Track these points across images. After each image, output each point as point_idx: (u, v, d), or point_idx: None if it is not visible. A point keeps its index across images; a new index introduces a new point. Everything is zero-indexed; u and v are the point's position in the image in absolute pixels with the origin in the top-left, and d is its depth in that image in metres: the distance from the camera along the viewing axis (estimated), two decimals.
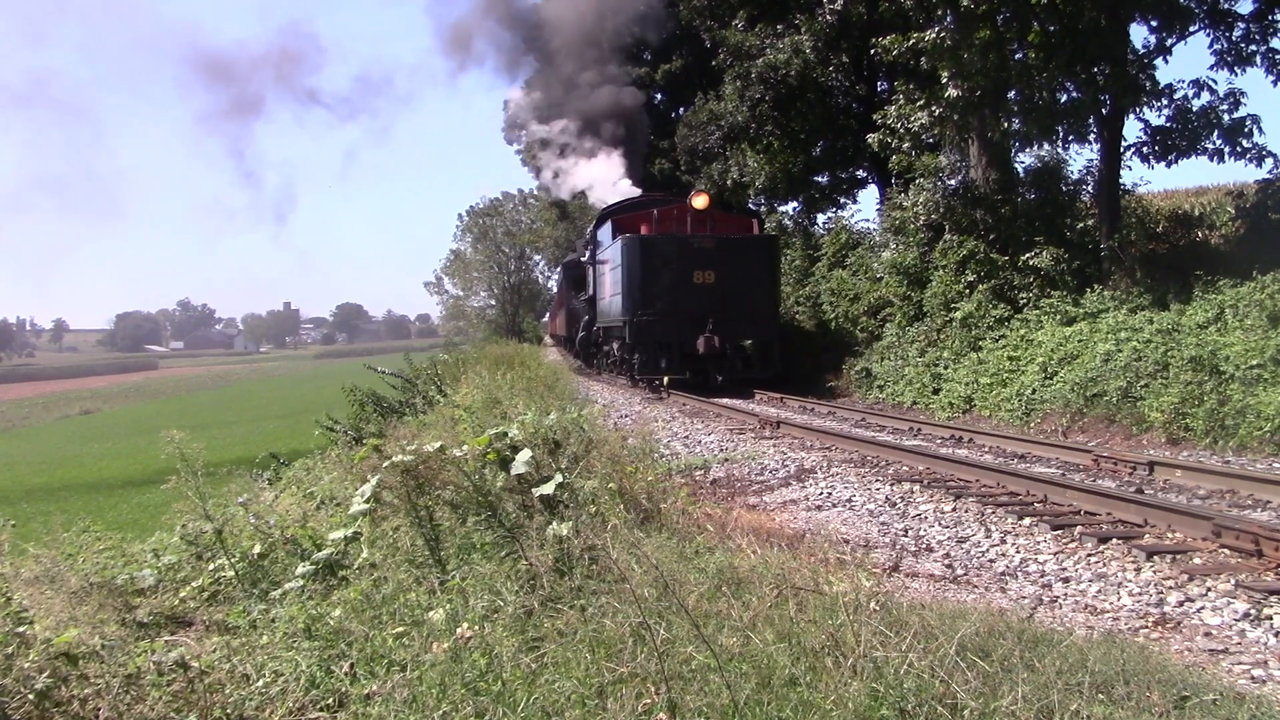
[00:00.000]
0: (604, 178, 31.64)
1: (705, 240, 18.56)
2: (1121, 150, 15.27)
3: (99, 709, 3.16)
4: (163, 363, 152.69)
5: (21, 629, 3.49)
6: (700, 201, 19.40)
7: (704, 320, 17.88)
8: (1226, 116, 14.21)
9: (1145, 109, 14.88)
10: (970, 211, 17.20)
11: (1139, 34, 25.52)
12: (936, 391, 15.49)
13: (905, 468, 9.01)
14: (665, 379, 17.91)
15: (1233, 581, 4.98)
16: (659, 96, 36.63)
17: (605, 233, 21.69)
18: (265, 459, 12.59)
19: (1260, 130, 14.08)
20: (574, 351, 31.10)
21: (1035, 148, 17.10)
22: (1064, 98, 15.41)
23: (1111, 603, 4.86)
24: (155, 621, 4.38)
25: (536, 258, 74.08)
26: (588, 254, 24.93)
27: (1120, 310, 13.61)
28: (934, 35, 15.19)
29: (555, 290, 50.92)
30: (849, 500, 7.61)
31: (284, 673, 3.32)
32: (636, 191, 28.61)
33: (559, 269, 41.53)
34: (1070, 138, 15.94)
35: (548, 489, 4.59)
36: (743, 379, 18.36)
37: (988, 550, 5.97)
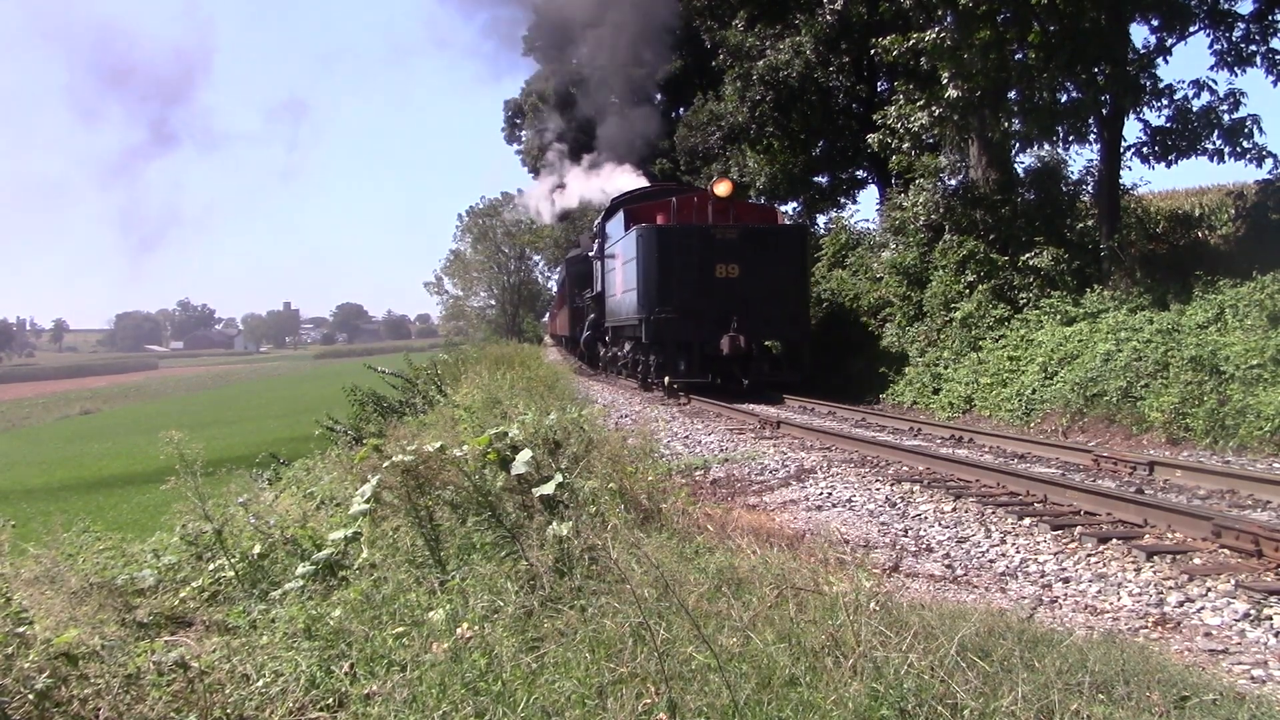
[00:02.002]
0: (614, 174, 30.78)
1: (729, 230, 16.84)
2: (1121, 150, 15.27)
3: (99, 709, 3.16)
4: (163, 363, 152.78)
5: (21, 629, 3.49)
6: (723, 188, 17.61)
7: (728, 318, 16.25)
8: (1226, 117, 14.21)
9: (1145, 109, 14.90)
10: (970, 212, 17.21)
11: (1139, 34, 25.48)
12: (936, 391, 15.49)
13: (905, 468, 9.01)
14: (667, 380, 16.82)
15: (1233, 581, 4.98)
16: (659, 96, 36.71)
17: (616, 224, 20.05)
18: (265, 459, 12.59)
19: (1260, 130, 14.09)
20: (577, 352, 29.85)
21: (1035, 148, 17.14)
22: (1064, 98, 15.42)
23: (1111, 603, 4.86)
24: (155, 621, 4.38)
25: (536, 258, 74.20)
26: (595, 248, 23.28)
27: (1120, 310, 13.62)
28: (934, 35, 15.19)
29: (556, 289, 49.83)
30: (849, 500, 7.61)
31: (284, 673, 3.32)
32: (646, 183, 27.28)
33: (561, 265, 38.99)
34: (1070, 138, 15.95)
35: (548, 489, 4.59)
36: (771, 383, 16.76)
37: (988, 550, 5.97)
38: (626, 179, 29.38)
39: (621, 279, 18.88)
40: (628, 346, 19.57)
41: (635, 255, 17.05)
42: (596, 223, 23.98)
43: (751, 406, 15.00)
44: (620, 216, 19.35)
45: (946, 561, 5.73)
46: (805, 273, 17.90)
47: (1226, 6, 14.41)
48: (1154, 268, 14.96)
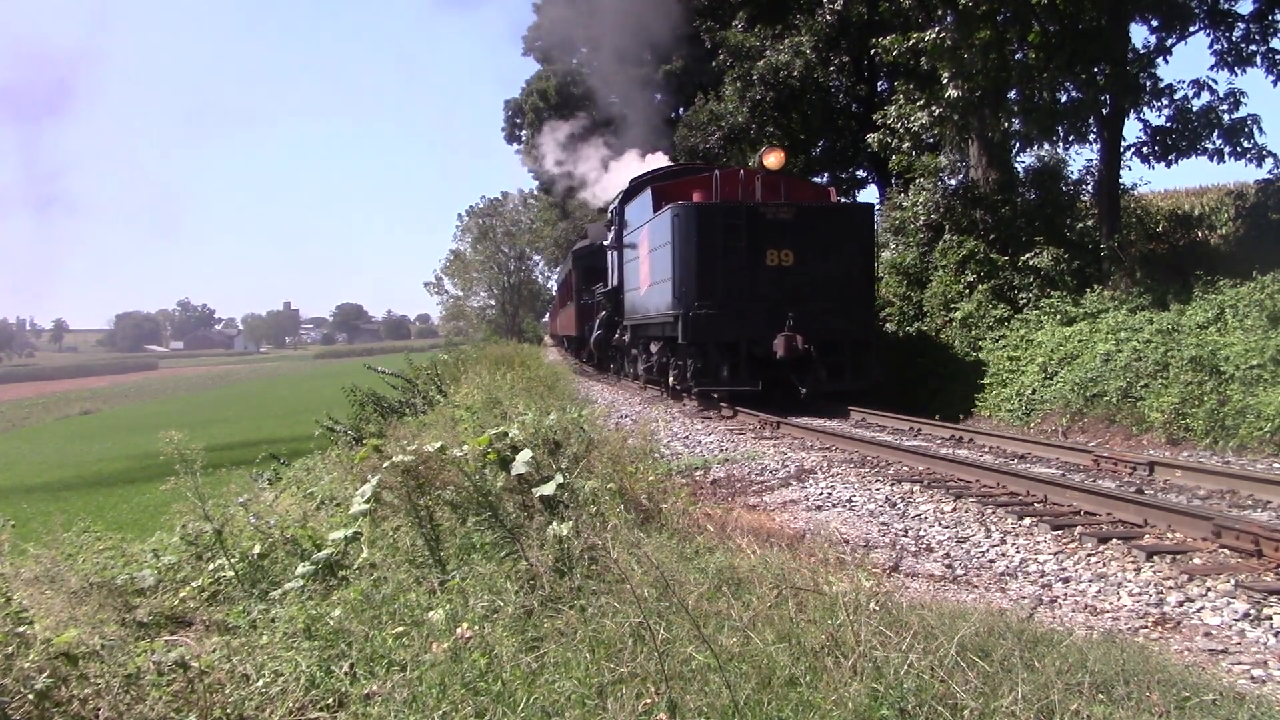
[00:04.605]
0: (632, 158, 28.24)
1: (781, 210, 14.21)
2: (1121, 150, 15.29)
3: (99, 709, 3.16)
4: (163, 363, 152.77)
5: (21, 629, 3.50)
6: (774, 159, 14.82)
7: (781, 314, 13.73)
8: (1226, 117, 14.23)
9: (1145, 109, 14.93)
10: (970, 211, 17.22)
11: (1139, 34, 25.57)
12: (936, 392, 15.49)
13: (905, 468, 9.01)
14: (672, 381, 15.20)
15: (1233, 581, 4.97)
16: (658, 97, 36.75)
17: (640, 206, 17.23)
18: (265, 459, 12.61)
19: (1260, 130, 14.12)
20: (584, 354, 27.39)
21: (1035, 148, 17.16)
22: (1064, 98, 15.44)
23: (1111, 603, 4.86)
24: (155, 621, 4.38)
25: (536, 258, 74.37)
26: (610, 236, 20.56)
27: (1120, 310, 13.62)
28: (934, 35, 15.21)
29: (556, 288, 48.19)
30: (849, 500, 7.60)
31: (284, 673, 3.33)
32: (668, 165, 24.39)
33: (566, 258, 35.16)
34: (1070, 138, 15.98)
35: (548, 489, 4.59)
36: (833, 392, 14.12)
37: (988, 550, 5.97)
38: (648, 161, 26.52)
39: (647, 269, 16.46)
40: (654, 348, 17.13)
41: (669, 240, 14.53)
42: (613, 207, 21.07)
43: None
44: (646, 197, 16.70)
45: (946, 561, 5.73)
46: (871, 259, 15.27)
47: (1226, 6, 14.44)
48: (1154, 268, 14.97)
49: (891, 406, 13.84)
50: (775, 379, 14.00)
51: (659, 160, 25.73)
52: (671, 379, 15.93)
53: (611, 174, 30.26)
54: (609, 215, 21.94)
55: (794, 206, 14.40)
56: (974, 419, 14.01)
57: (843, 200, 17.17)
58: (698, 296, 13.98)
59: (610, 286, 20.87)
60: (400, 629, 3.53)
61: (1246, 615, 4.52)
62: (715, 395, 14.42)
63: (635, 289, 17.84)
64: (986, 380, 14.55)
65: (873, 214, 16.22)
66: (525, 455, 4.76)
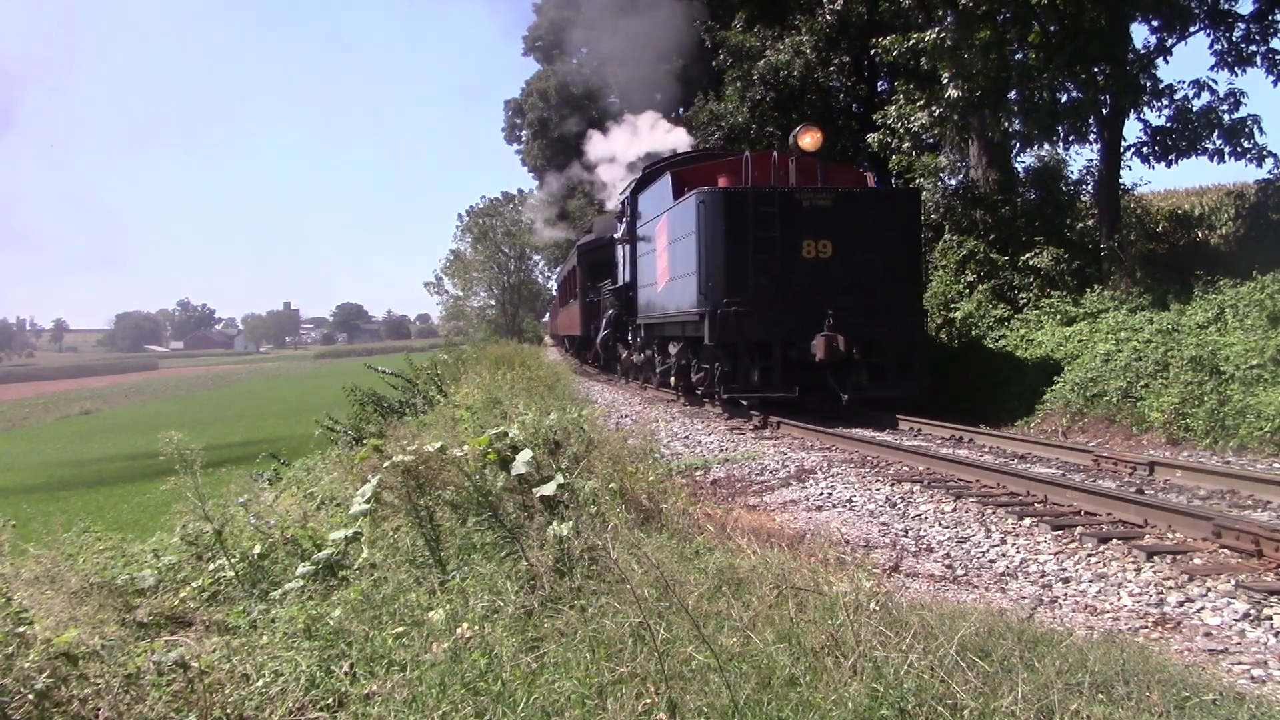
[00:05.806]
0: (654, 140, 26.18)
1: (819, 195, 12.87)
2: (1121, 150, 15.30)
3: (99, 709, 3.16)
4: (163, 363, 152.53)
5: (21, 629, 3.50)
6: (809, 140, 13.32)
7: (819, 311, 12.38)
8: (1227, 117, 14.24)
9: (1145, 109, 14.93)
10: (970, 211, 17.24)
11: (1139, 34, 25.56)
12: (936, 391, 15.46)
13: (905, 468, 9.01)
14: (683, 387, 14.64)
15: (1233, 582, 4.97)
16: (658, 96, 36.78)
17: (657, 194, 15.83)
18: (266, 459, 12.61)
19: (1260, 130, 14.13)
20: (590, 354, 26.21)
21: (1035, 148, 17.18)
22: (1064, 98, 15.45)
23: (1111, 603, 4.86)
24: (155, 621, 4.38)
25: (536, 258, 74.43)
26: (621, 228, 19.07)
27: (1120, 310, 13.62)
28: (934, 35, 15.22)
29: (556, 288, 47.11)
30: (849, 500, 7.61)
31: (284, 673, 3.33)
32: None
33: (570, 254, 32.85)
34: (1070, 138, 15.99)
35: (548, 489, 4.59)
36: (873, 399, 12.87)
37: (988, 550, 5.97)
38: (670, 137, 24.77)
39: (666, 263, 14.99)
40: (672, 349, 15.77)
41: (694, 229, 13.12)
42: (624, 197, 19.38)
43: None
44: (664, 183, 15.26)
45: (947, 561, 5.73)
46: (918, 251, 13.81)
47: (1226, 6, 14.45)
48: (1154, 268, 14.97)
49: (900, 411, 12.86)
50: (811, 383, 12.74)
51: (682, 136, 24.56)
52: (681, 382, 15.09)
53: (641, 139, 27.49)
54: (619, 205, 20.57)
55: (833, 192, 13.05)
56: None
57: (889, 185, 15.97)
58: (726, 292, 12.66)
59: (620, 283, 19.52)
60: (400, 629, 3.53)
61: (1246, 615, 4.52)
62: (745, 402, 13.34)
63: (651, 285, 16.36)
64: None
65: (919, 200, 14.67)
66: (525, 455, 4.76)
